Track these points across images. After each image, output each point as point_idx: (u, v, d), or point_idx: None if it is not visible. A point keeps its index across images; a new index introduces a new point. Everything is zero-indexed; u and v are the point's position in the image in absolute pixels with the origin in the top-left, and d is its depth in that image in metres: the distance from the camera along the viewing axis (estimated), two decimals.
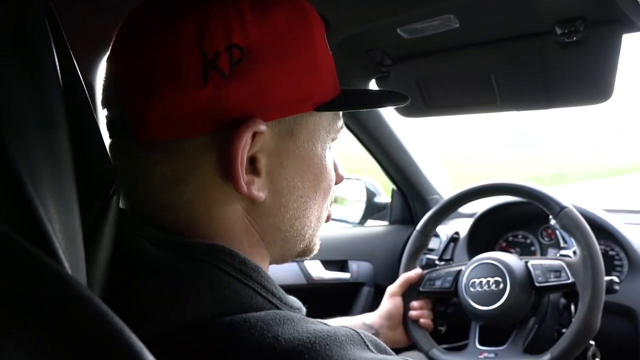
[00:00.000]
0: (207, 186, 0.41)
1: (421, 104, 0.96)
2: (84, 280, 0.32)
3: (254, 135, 0.40)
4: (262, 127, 0.40)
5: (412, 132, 1.41)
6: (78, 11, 0.69)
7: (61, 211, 0.29)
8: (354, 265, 1.40)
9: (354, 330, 0.39)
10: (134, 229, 0.40)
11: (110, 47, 0.44)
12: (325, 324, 0.39)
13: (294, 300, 0.45)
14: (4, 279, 0.23)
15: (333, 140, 0.49)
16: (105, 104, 0.43)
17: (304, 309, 0.45)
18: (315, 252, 0.52)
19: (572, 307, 0.96)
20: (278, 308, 0.41)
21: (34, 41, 0.31)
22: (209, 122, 0.39)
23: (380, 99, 0.51)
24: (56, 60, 0.33)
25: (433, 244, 1.32)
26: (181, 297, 0.37)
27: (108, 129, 0.44)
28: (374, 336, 0.40)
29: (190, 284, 0.38)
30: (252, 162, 0.42)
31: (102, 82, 0.44)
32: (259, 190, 0.42)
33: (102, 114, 0.45)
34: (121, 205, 0.43)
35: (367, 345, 0.38)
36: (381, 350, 0.39)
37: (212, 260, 0.39)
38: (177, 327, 0.37)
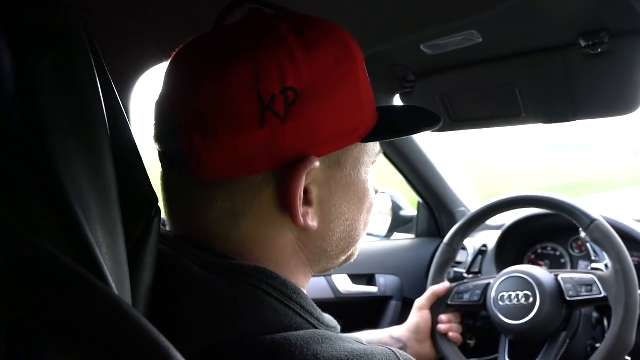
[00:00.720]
0: (263, 218, 0.43)
1: (446, 118, 0.97)
2: (129, 299, 0.34)
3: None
4: (317, 164, 0.42)
5: (440, 141, 1.41)
6: (112, 38, 0.73)
7: (107, 235, 0.31)
8: (381, 279, 1.40)
9: (390, 349, 0.41)
10: (178, 250, 0.42)
11: (161, 87, 0.46)
12: (362, 343, 0.41)
13: (330, 319, 0.46)
14: (57, 300, 0.25)
15: (373, 163, 0.51)
16: (158, 140, 0.45)
17: (339, 327, 0.47)
18: (355, 256, 0.54)
19: (605, 322, 0.94)
20: (316, 327, 0.42)
21: (81, 76, 0.34)
22: (266, 162, 0.41)
23: (417, 121, 0.52)
24: (100, 92, 0.35)
25: (460, 256, 1.31)
26: (224, 317, 0.39)
27: (162, 164, 0.46)
28: (408, 355, 0.42)
29: (233, 303, 0.39)
30: (305, 193, 0.44)
31: (154, 119, 0.46)
32: (312, 220, 0.44)
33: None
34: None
35: None
36: None
37: (254, 282, 0.41)
38: (220, 345, 0.38)
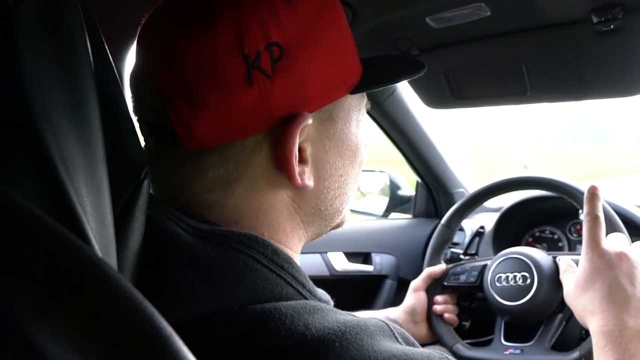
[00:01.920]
0: (258, 182, 0.42)
1: (449, 94, 0.95)
2: (114, 264, 0.32)
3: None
4: (310, 120, 0.41)
5: (443, 124, 1.39)
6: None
7: (92, 194, 0.30)
8: (377, 258, 1.40)
9: (383, 321, 0.39)
10: (165, 215, 0.41)
11: (136, 56, 0.43)
12: (355, 315, 0.40)
13: (322, 293, 0.45)
14: (36, 260, 0.23)
15: (362, 115, 0.50)
16: (140, 112, 0.43)
17: (332, 302, 0.46)
18: (347, 221, 0.53)
19: None
20: (307, 299, 0.41)
21: (67, 26, 0.32)
22: (258, 123, 0.40)
23: (401, 69, 0.52)
24: (89, 45, 0.33)
25: (458, 237, 1.30)
26: (213, 285, 0.38)
27: (145, 136, 0.44)
28: (401, 328, 0.40)
29: (223, 271, 0.38)
30: (299, 151, 0.42)
31: (133, 91, 0.43)
32: (309, 179, 0.43)
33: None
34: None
35: (396, 337, 0.38)
36: (409, 343, 0.39)
37: (245, 249, 0.40)
38: (208, 313, 0.37)
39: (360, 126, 0.50)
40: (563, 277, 0.80)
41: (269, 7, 0.39)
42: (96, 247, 0.28)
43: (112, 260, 0.31)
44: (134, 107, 0.44)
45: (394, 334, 0.38)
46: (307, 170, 0.43)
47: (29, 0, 0.28)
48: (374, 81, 0.48)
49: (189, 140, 0.40)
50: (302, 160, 0.43)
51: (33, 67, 0.28)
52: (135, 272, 0.37)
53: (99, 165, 0.31)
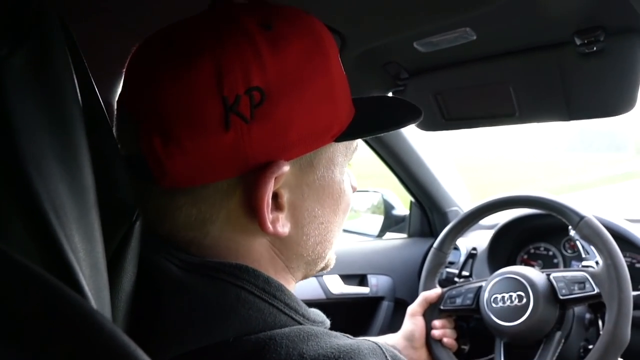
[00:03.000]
0: (232, 225, 0.41)
1: (439, 117, 0.96)
2: (108, 308, 0.32)
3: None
4: (286, 168, 0.40)
5: (441, 138, 1.40)
6: (95, 32, 0.71)
7: (85, 240, 0.30)
8: (373, 279, 1.39)
9: (375, 343, 0.40)
10: (154, 251, 0.40)
11: (121, 84, 0.43)
12: (349, 337, 0.40)
13: (316, 313, 0.45)
14: (29, 314, 0.23)
15: (349, 161, 0.48)
16: (119, 142, 0.42)
17: (327, 322, 0.46)
18: (332, 265, 0.52)
19: (600, 322, 0.94)
20: (301, 324, 0.41)
21: (56, 72, 0.32)
22: (232, 167, 0.39)
23: (397, 117, 0.49)
24: (77, 89, 0.33)
25: (453, 257, 1.30)
26: (207, 319, 0.37)
27: (129, 166, 0.43)
28: (394, 350, 0.41)
29: (216, 305, 0.38)
30: (274, 197, 0.41)
31: (116, 119, 0.43)
32: (283, 226, 0.42)
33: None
34: None
35: (387, 359, 0.39)
36: None
37: (236, 280, 0.39)
38: (204, 348, 0.37)
39: (346, 171, 0.48)
40: None
41: (252, 49, 0.38)
42: (89, 294, 0.28)
43: (106, 305, 0.31)
44: (116, 136, 0.43)
45: (385, 356, 0.38)
46: (282, 217, 0.42)
47: (16, 53, 0.29)
48: (363, 129, 0.46)
49: (161, 178, 0.39)
50: (278, 207, 0.42)
51: (23, 117, 0.28)
52: (128, 313, 0.37)
53: (91, 210, 0.31)
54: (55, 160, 0.29)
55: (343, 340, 0.39)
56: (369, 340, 0.40)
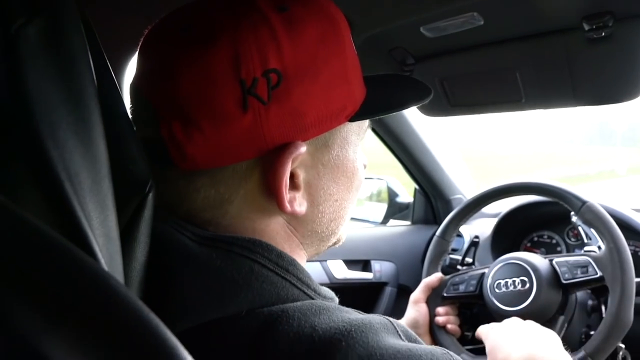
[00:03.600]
0: (250, 204, 0.42)
1: (445, 102, 0.96)
2: (121, 277, 0.33)
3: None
4: (303, 149, 0.41)
5: (450, 129, 1.40)
6: (108, 11, 0.71)
7: (98, 209, 0.30)
8: (376, 265, 1.40)
9: (387, 318, 0.40)
10: (171, 225, 0.41)
11: (136, 67, 0.43)
12: (360, 313, 0.41)
13: (327, 290, 0.46)
14: (43, 276, 0.24)
15: (362, 139, 0.49)
16: (136, 125, 0.43)
17: (336, 299, 0.47)
18: (344, 240, 0.54)
19: (603, 308, 0.94)
20: (313, 299, 0.42)
21: (70, 45, 0.32)
22: (250, 149, 0.40)
23: (408, 96, 0.50)
24: (91, 62, 0.34)
25: (456, 244, 1.31)
26: (220, 292, 0.38)
27: (147, 148, 0.43)
28: (405, 326, 0.41)
29: (229, 278, 0.39)
30: (292, 177, 0.42)
31: (131, 103, 0.43)
32: (300, 205, 0.43)
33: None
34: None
35: (399, 334, 0.39)
36: (412, 340, 0.40)
37: (250, 254, 0.40)
38: (217, 320, 0.38)
39: (359, 150, 0.49)
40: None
41: (269, 32, 0.38)
42: (102, 261, 0.29)
43: (118, 273, 0.32)
44: (132, 119, 0.43)
45: (397, 331, 0.39)
46: (299, 196, 0.43)
47: (32, 22, 0.29)
48: (376, 108, 0.46)
49: (180, 161, 0.40)
50: (295, 186, 0.43)
51: (39, 87, 0.29)
52: (142, 283, 0.37)
53: (104, 180, 0.32)
54: (69, 130, 0.30)
55: (355, 314, 0.39)
56: (380, 316, 0.40)
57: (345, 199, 0.48)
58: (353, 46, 0.45)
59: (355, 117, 0.44)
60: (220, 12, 0.40)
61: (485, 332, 0.82)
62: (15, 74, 0.28)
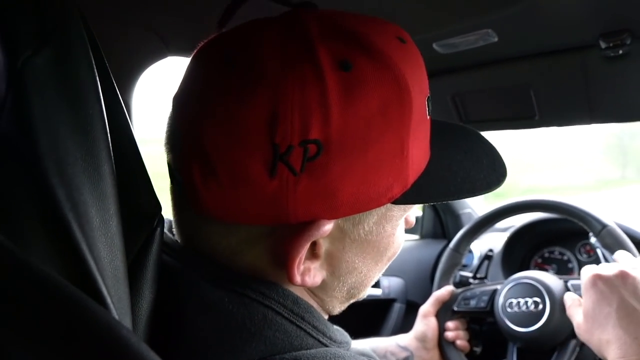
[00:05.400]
0: (263, 264, 0.39)
1: (457, 119, 0.94)
2: (129, 318, 0.31)
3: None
4: (327, 229, 0.36)
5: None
6: (113, 30, 0.70)
7: (107, 248, 0.29)
8: (385, 281, 1.38)
9: None
10: (184, 263, 0.39)
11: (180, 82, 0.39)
12: (372, 357, 0.38)
13: (341, 334, 0.44)
14: (52, 327, 0.23)
15: (407, 213, 0.43)
16: (166, 145, 0.39)
17: (350, 342, 0.45)
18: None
19: None
20: (327, 346, 0.40)
21: (78, 74, 0.31)
22: (269, 217, 0.35)
23: (471, 183, 0.41)
24: (99, 91, 0.33)
25: (466, 260, 1.29)
26: (231, 339, 0.36)
27: (170, 174, 0.41)
28: None
29: (241, 325, 0.36)
30: (312, 245, 0.38)
31: (168, 117, 0.40)
32: (314, 277, 0.39)
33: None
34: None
35: None
36: None
37: (264, 300, 0.38)
38: None
39: (401, 223, 0.43)
40: (570, 312, 0.78)
41: (319, 93, 0.32)
42: (111, 306, 0.27)
43: (126, 314, 0.31)
44: (165, 142, 0.40)
45: None
46: (316, 267, 0.39)
47: (40, 53, 0.28)
48: (428, 196, 0.39)
49: (195, 205, 0.37)
50: (314, 256, 0.39)
51: (46, 121, 0.27)
52: (149, 321, 0.36)
53: (113, 218, 0.30)
54: (77, 167, 0.28)
55: None
56: None
57: (372, 270, 0.43)
58: (425, 111, 0.38)
59: (400, 200, 0.37)
60: (270, 53, 0.34)
61: (588, 281, 0.67)
62: (21, 107, 0.27)
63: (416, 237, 1.54)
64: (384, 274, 1.38)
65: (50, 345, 0.23)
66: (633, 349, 0.58)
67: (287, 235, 0.36)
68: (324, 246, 0.38)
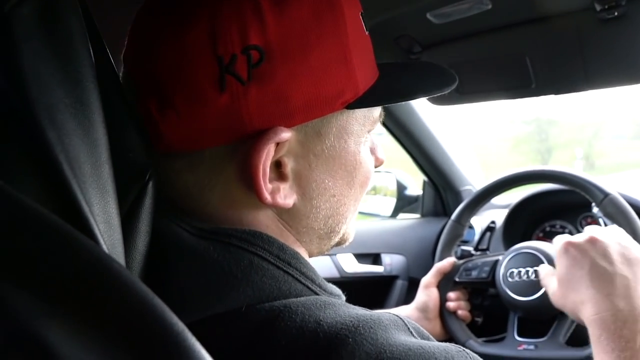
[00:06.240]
0: (233, 193, 0.40)
1: (453, 90, 0.94)
2: (123, 265, 0.32)
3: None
4: (285, 135, 0.38)
5: (449, 118, 1.38)
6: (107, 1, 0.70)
7: (99, 194, 0.29)
8: (387, 258, 1.39)
9: (396, 315, 0.38)
10: (169, 217, 0.40)
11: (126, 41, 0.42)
12: (367, 310, 0.38)
13: (333, 287, 0.44)
14: (44, 260, 0.23)
15: (369, 131, 0.45)
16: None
17: (343, 297, 0.45)
18: (350, 240, 0.50)
19: None
20: (317, 294, 0.40)
21: (67, 27, 0.31)
22: (227, 133, 0.37)
23: (421, 84, 0.45)
24: (90, 47, 0.33)
25: (467, 235, 1.29)
26: (219, 287, 0.37)
27: None
28: (415, 322, 0.39)
29: (228, 272, 0.37)
30: (278, 165, 0.39)
31: (122, 79, 0.42)
32: (285, 198, 0.40)
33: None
34: None
35: (410, 331, 0.37)
36: (423, 337, 0.38)
37: (249, 246, 0.38)
38: (216, 316, 0.36)
39: (365, 143, 0.44)
40: (545, 282, 0.81)
41: (252, 6, 0.36)
42: (104, 247, 0.28)
43: (120, 261, 0.31)
44: None
45: (408, 327, 0.37)
46: (286, 187, 0.40)
47: (26, 3, 0.28)
48: (381, 96, 0.42)
49: (156, 142, 0.38)
50: (281, 177, 0.40)
51: (35, 69, 0.28)
52: (142, 274, 0.36)
53: (104, 165, 0.31)
54: (68, 114, 0.29)
55: (362, 310, 0.37)
56: (390, 313, 0.38)
57: (345, 195, 0.44)
58: (361, 26, 0.41)
59: (355, 104, 0.40)
60: None
61: (560, 249, 0.72)
62: (9, 55, 0.27)
63: (417, 215, 1.54)
64: (386, 252, 1.40)
65: (45, 280, 0.23)
66: (606, 304, 0.62)
67: (249, 150, 0.37)
68: (289, 164, 0.40)
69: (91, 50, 0.33)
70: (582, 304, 0.65)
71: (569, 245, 0.70)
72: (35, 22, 0.28)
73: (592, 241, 0.68)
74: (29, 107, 0.27)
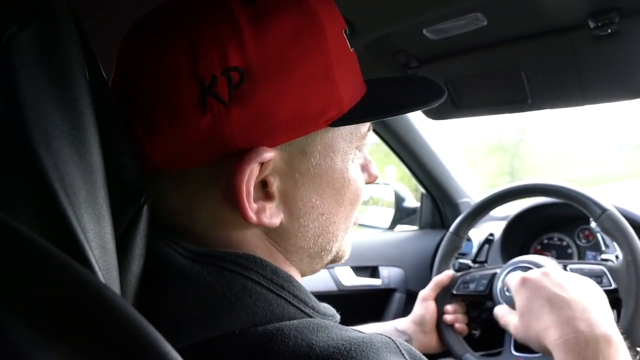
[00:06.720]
0: (219, 213, 0.40)
1: (450, 105, 0.95)
2: (117, 290, 0.32)
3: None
4: (268, 155, 0.38)
5: (444, 130, 1.39)
6: (98, 13, 0.71)
7: (94, 220, 0.29)
8: (384, 271, 1.39)
9: (389, 337, 0.38)
10: (163, 240, 0.40)
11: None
12: (360, 332, 0.38)
13: (326, 307, 0.44)
14: (40, 289, 0.23)
15: (357, 148, 0.45)
16: None
17: (337, 316, 0.45)
18: (347, 257, 0.50)
19: (615, 316, 0.92)
20: (310, 317, 0.40)
21: (64, 53, 0.32)
22: (211, 153, 0.37)
23: (409, 99, 0.45)
24: (85, 69, 0.33)
25: (466, 248, 1.29)
26: (212, 310, 0.37)
27: None
28: (408, 344, 0.39)
29: (221, 296, 0.37)
30: (264, 184, 0.40)
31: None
32: (271, 217, 0.40)
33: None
34: None
35: (402, 353, 0.37)
36: (415, 359, 0.38)
37: (242, 270, 0.38)
38: (209, 340, 0.36)
39: (354, 160, 0.44)
40: (505, 321, 0.83)
41: (231, 28, 0.36)
42: (99, 273, 0.28)
43: (114, 286, 0.31)
44: None
45: (400, 349, 0.37)
46: (272, 206, 0.40)
47: (26, 29, 0.29)
48: (366, 113, 0.42)
49: (143, 162, 0.39)
50: (267, 196, 0.40)
51: (32, 95, 0.28)
52: (137, 298, 0.36)
53: (100, 190, 0.31)
54: (64, 140, 0.29)
55: (354, 333, 0.37)
56: (382, 335, 0.38)
57: (335, 214, 0.43)
58: (345, 43, 0.41)
59: (339, 121, 0.40)
60: (182, 7, 0.39)
61: (517, 283, 0.78)
62: (7, 82, 0.27)
63: (415, 227, 1.54)
64: (384, 264, 1.39)
65: (41, 310, 0.23)
66: (568, 328, 0.64)
67: (232, 170, 0.37)
68: (275, 184, 0.40)
69: (87, 75, 0.33)
70: (545, 331, 0.68)
71: (524, 279, 0.76)
72: (34, 49, 0.29)
73: (546, 274, 0.75)
74: (25, 135, 0.27)
